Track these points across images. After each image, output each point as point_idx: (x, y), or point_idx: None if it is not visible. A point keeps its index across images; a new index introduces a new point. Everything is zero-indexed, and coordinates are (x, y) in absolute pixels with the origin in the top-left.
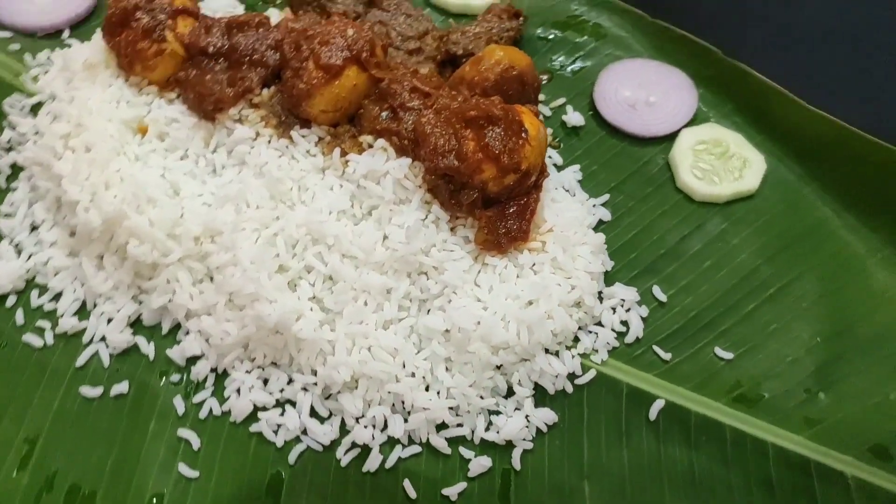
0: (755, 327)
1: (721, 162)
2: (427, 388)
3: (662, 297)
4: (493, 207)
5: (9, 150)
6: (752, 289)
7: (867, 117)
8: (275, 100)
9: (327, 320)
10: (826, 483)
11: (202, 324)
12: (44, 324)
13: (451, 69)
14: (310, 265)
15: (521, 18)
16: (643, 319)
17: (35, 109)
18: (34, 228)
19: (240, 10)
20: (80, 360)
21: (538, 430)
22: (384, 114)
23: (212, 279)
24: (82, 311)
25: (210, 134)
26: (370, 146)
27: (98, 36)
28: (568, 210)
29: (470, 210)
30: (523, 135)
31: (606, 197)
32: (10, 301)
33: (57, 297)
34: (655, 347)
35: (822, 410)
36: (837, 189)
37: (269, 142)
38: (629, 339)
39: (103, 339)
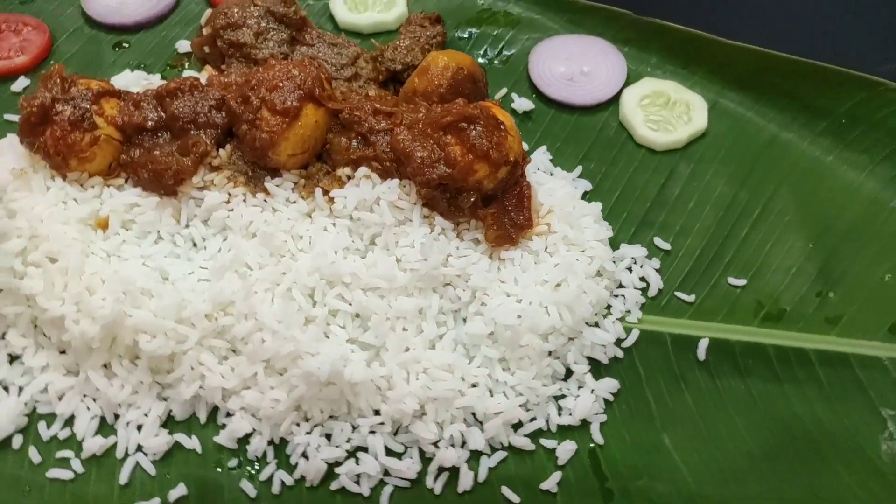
0: (754, 249)
1: (668, 111)
2: (491, 393)
3: (666, 246)
4: (492, 204)
5: None
6: (738, 215)
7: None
8: (234, 157)
9: (373, 357)
10: (867, 370)
11: (245, 400)
12: (66, 453)
13: (393, 86)
14: (334, 308)
15: (442, 22)
16: (658, 271)
17: None
18: (14, 359)
19: (153, 80)
20: (123, 478)
21: (605, 401)
22: (354, 143)
23: (234, 352)
24: (104, 427)
25: (177, 209)
26: (349, 178)
27: (11, 142)
28: (557, 189)
29: (472, 212)
30: (501, 127)
31: (580, 169)
32: (17, 442)
33: (69, 421)
34: (677, 293)
35: (837, 308)
36: (775, 108)
37: (245, 200)
38: (652, 292)
39: (139, 448)
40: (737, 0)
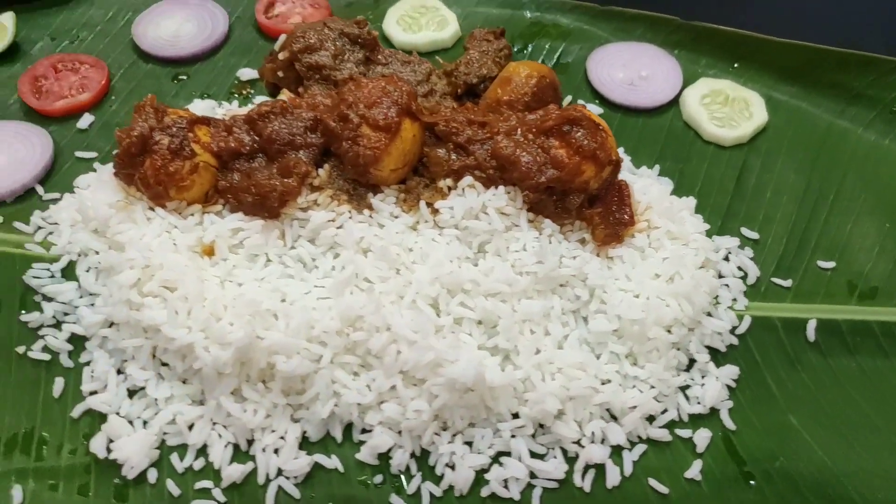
0: (835, 232)
1: (729, 108)
2: (623, 388)
3: (754, 235)
4: (596, 204)
5: (57, 324)
6: (814, 202)
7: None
8: (333, 176)
9: (505, 361)
10: None
11: (385, 414)
12: (205, 483)
13: (468, 99)
14: (458, 316)
15: (505, 36)
16: (752, 259)
17: (67, 273)
18: (132, 394)
19: (232, 108)
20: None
21: (728, 388)
22: (453, 154)
23: (362, 366)
24: (238, 454)
25: (281, 231)
26: (450, 188)
27: (101, 176)
28: (649, 186)
29: (578, 213)
30: (601, 128)
31: (657, 168)
32: (153, 476)
33: (202, 451)
34: (774, 279)
35: None
36: (826, 98)
37: (350, 217)
38: (751, 280)
39: (280, 472)
40: None
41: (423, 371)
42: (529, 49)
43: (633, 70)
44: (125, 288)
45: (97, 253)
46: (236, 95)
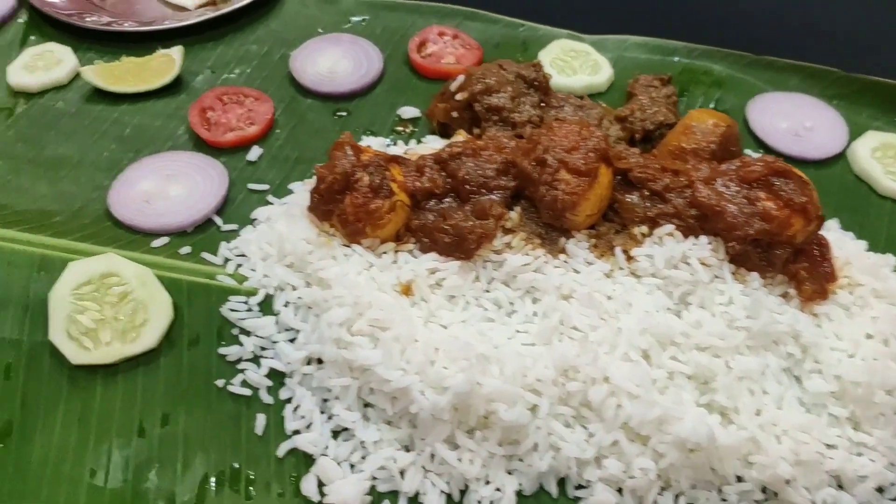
0: None
1: None
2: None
3: None
4: (799, 257)
5: (255, 359)
6: None
7: None
8: (524, 219)
9: (724, 420)
10: None
11: (608, 470)
12: None
13: (638, 145)
14: (670, 370)
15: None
16: None
17: (264, 307)
18: (336, 435)
19: (406, 147)
20: None
21: None
22: (647, 202)
23: (574, 418)
24: None
25: (474, 273)
26: (644, 235)
27: (294, 210)
28: (842, 241)
29: (783, 267)
30: (807, 181)
31: (837, 221)
32: None
33: (413, 499)
34: None
35: None
36: None
37: (546, 262)
38: None
39: None
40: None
41: (647, 427)
42: (685, 97)
43: (796, 120)
44: (335, 326)
45: (294, 288)
46: (400, 133)
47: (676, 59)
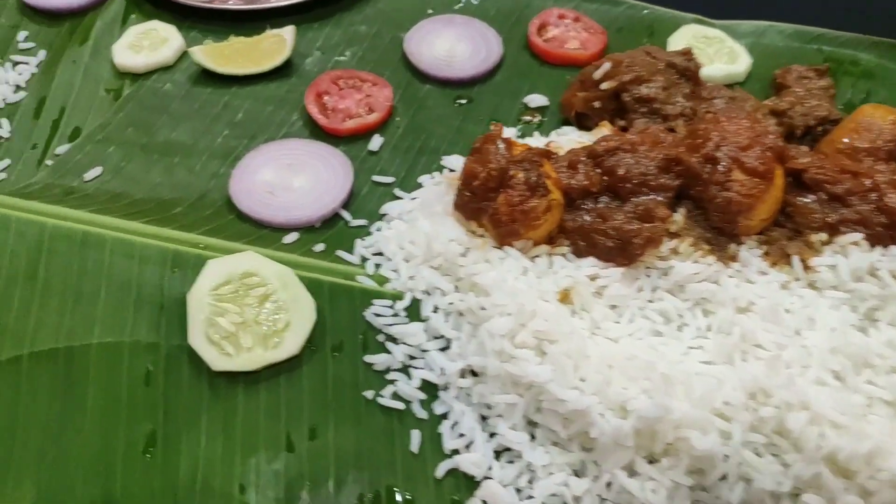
0: None
1: None
2: None
3: None
4: None
5: (403, 369)
6: None
7: None
8: (689, 222)
9: None
10: None
11: None
12: None
13: (795, 141)
14: (867, 394)
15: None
16: None
17: (411, 312)
18: (497, 455)
19: (533, 140)
20: None
21: None
22: (826, 207)
23: (763, 446)
24: None
25: (638, 281)
26: (823, 243)
27: (436, 208)
28: None
29: None
30: None
31: None
32: None
33: None
34: None
35: None
36: None
37: (717, 270)
38: None
39: None
40: None
41: (857, 461)
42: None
43: None
44: (497, 337)
45: (444, 293)
46: (527, 122)
47: (817, 46)
